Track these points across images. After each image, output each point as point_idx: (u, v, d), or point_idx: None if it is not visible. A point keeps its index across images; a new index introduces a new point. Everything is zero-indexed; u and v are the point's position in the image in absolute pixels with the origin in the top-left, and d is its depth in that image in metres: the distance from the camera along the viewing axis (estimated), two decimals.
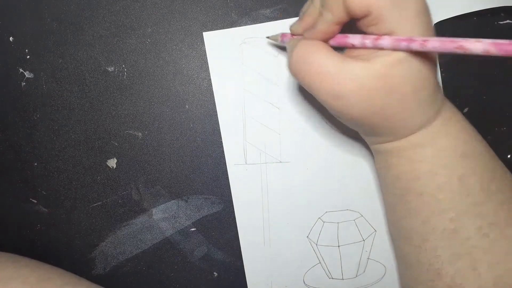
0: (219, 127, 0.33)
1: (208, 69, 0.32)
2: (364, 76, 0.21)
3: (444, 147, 0.23)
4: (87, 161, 0.33)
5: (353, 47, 0.23)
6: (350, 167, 0.33)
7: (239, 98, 0.32)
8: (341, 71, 0.21)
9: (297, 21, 0.25)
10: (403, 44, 0.20)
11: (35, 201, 0.34)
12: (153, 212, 0.34)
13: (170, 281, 0.34)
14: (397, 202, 0.26)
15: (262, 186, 0.33)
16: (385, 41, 0.21)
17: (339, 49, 0.24)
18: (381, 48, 0.21)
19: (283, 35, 0.27)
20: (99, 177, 0.33)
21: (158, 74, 0.33)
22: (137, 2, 0.32)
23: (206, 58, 0.32)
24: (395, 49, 0.21)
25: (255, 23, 0.32)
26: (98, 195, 0.34)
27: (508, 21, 0.32)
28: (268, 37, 0.30)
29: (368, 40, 0.22)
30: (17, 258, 0.30)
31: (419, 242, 0.25)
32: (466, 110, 0.33)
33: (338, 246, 0.33)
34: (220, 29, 0.32)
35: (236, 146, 0.33)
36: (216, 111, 0.32)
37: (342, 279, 0.34)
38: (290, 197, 0.33)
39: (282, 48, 0.32)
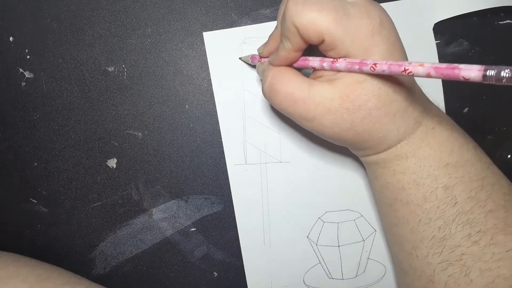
0: (219, 127, 0.33)
1: (208, 69, 0.32)
2: (329, 98, 0.22)
3: (426, 157, 0.24)
4: (87, 161, 0.33)
5: (314, 69, 0.24)
6: (350, 167, 0.33)
7: (239, 98, 0.32)
8: (308, 96, 0.23)
9: (264, 44, 0.27)
10: (356, 67, 0.21)
11: (35, 201, 0.34)
12: (153, 212, 0.34)
13: (170, 281, 0.34)
14: (387, 210, 0.27)
15: (262, 186, 0.33)
16: (341, 64, 0.22)
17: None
18: (339, 71, 0.23)
19: (252, 56, 0.30)
20: (99, 177, 0.33)
21: (158, 74, 0.33)
22: (137, 2, 0.32)
23: (206, 58, 0.32)
24: (350, 71, 0.22)
25: (255, 23, 0.32)
26: (98, 195, 0.34)
27: (508, 21, 0.32)
28: (240, 58, 0.32)
29: (325, 63, 0.23)
30: (17, 257, 0.30)
31: (410, 249, 0.25)
32: (466, 110, 0.33)
33: (338, 246, 0.33)
34: (220, 29, 0.32)
35: (236, 146, 0.33)
36: (216, 111, 0.32)
37: (342, 279, 0.34)
38: (290, 197, 0.33)
39: None
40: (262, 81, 0.26)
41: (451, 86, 0.32)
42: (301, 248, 0.33)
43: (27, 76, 0.33)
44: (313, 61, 0.24)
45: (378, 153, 0.25)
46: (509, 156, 0.34)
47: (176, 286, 0.35)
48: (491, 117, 0.33)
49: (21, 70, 0.33)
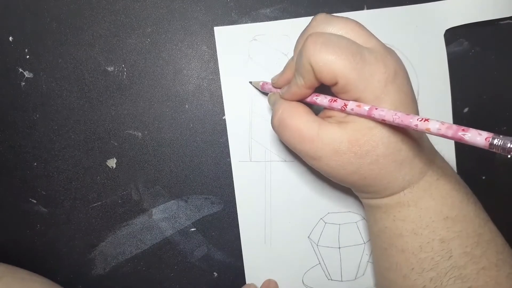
0: (219, 127, 0.33)
1: (208, 68, 0.32)
2: (338, 140, 0.23)
3: (427, 208, 0.24)
4: (87, 161, 0.33)
5: (324, 108, 0.25)
6: None
7: (246, 94, 0.32)
8: (317, 135, 0.23)
9: (279, 74, 0.27)
10: (365, 114, 0.21)
11: (35, 201, 0.34)
12: (153, 212, 0.34)
13: (170, 281, 0.34)
14: (381, 254, 0.27)
15: (265, 184, 0.33)
16: (350, 107, 0.22)
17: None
18: (348, 113, 0.23)
19: (263, 84, 0.30)
20: (99, 177, 0.33)
21: (158, 74, 0.33)
22: (137, 2, 0.32)
23: (206, 57, 0.32)
24: (358, 115, 0.22)
25: (255, 23, 0.32)
26: (98, 195, 0.34)
27: (508, 21, 0.32)
28: (250, 82, 0.32)
29: (335, 105, 0.23)
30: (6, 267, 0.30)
31: None
32: (466, 110, 0.33)
33: (339, 247, 0.33)
34: None
35: (242, 142, 0.33)
36: (216, 111, 0.32)
37: (341, 280, 0.34)
38: (293, 197, 0.33)
39: (290, 48, 0.32)
40: (272, 112, 0.26)
41: (451, 86, 0.32)
42: (302, 247, 0.33)
43: (26, 76, 0.33)
44: (323, 100, 0.24)
45: (381, 198, 0.25)
46: (509, 156, 0.34)
47: (176, 286, 0.34)
48: (491, 117, 0.33)
49: (20, 70, 0.33)
